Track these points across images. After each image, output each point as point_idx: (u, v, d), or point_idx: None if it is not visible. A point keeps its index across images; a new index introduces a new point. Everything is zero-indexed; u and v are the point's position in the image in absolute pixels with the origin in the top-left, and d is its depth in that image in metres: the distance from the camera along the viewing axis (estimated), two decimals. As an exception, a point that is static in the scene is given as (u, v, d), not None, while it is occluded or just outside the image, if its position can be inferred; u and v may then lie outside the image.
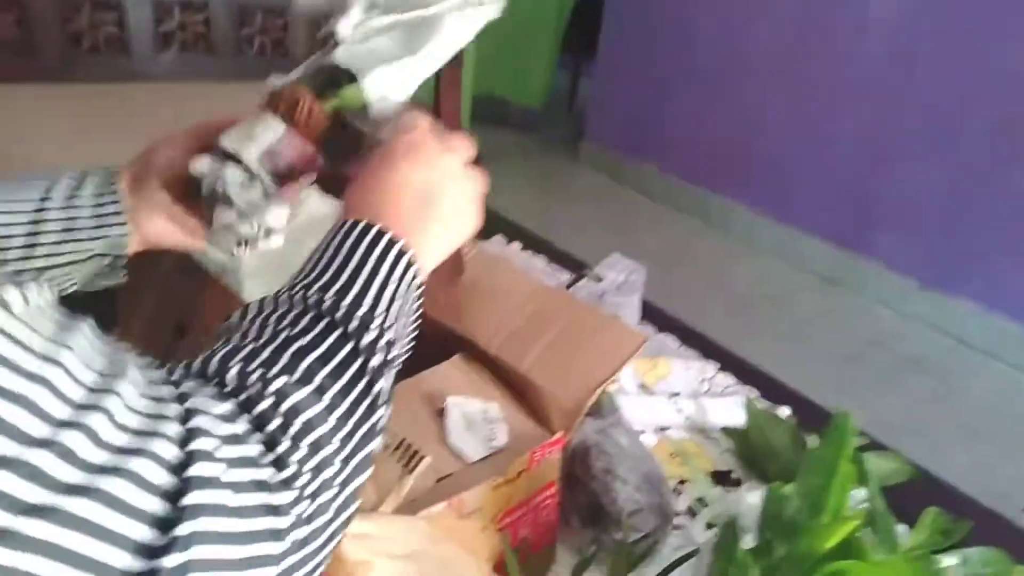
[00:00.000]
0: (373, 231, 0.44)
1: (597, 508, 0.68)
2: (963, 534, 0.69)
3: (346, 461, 0.35)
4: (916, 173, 2.38)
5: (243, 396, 0.34)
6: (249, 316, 0.40)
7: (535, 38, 3.55)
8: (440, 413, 0.60)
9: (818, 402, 0.95)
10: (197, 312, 0.68)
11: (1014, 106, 2.15)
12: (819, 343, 2.28)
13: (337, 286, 0.41)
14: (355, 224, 0.45)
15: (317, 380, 0.36)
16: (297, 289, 0.41)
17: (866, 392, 2.04)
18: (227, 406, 0.33)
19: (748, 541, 0.52)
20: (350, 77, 0.53)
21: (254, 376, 0.35)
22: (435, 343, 0.67)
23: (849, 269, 2.58)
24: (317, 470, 0.34)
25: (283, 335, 0.38)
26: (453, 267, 0.64)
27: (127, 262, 0.57)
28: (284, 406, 0.34)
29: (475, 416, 0.60)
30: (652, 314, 1.06)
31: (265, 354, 0.36)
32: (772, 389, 0.96)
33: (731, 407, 0.90)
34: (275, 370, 0.35)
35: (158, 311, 0.70)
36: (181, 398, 0.32)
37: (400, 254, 0.45)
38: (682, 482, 0.80)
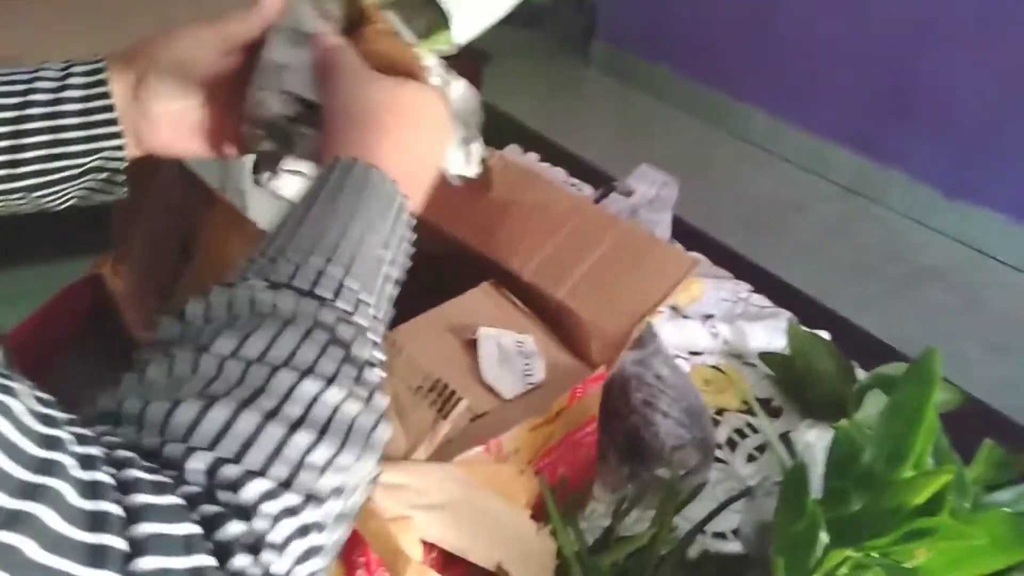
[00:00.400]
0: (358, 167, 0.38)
1: (637, 443, 0.63)
2: (1022, 468, 0.65)
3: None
4: (949, 78, 2.25)
5: (221, 521, 0.25)
6: (203, 335, 0.31)
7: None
8: (469, 345, 0.55)
9: (860, 325, 0.89)
10: (202, 230, 0.62)
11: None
12: (837, 254, 2.21)
13: (336, 272, 0.34)
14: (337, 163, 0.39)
15: (324, 476, 0.28)
16: (276, 279, 0.33)
17: (885, 305, 1.99)
18: (195, 536, 0.24)
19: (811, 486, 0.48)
20: (437, 10, 0.45)
21: (236, 481, 0.26)
22: (461, 268, 0.61)
23: (871, 178, 2.49)
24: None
25: (262, 379, 0.29)
26: (480, 182, 0.57)
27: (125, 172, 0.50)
28: (282, 530, 0.26)
29: (510, 349, 0.54)
30: (680, 230, 0.99)
31: (241, 426, 0.27)
32: (810, 311, 0.91)
33: (770, 330, 0.85)
34: (259, 461, 0.26)
35: (159, 228, 0.64)
36: (128, 520, 0.23)
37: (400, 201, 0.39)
38: (720, 412, 0.76)
